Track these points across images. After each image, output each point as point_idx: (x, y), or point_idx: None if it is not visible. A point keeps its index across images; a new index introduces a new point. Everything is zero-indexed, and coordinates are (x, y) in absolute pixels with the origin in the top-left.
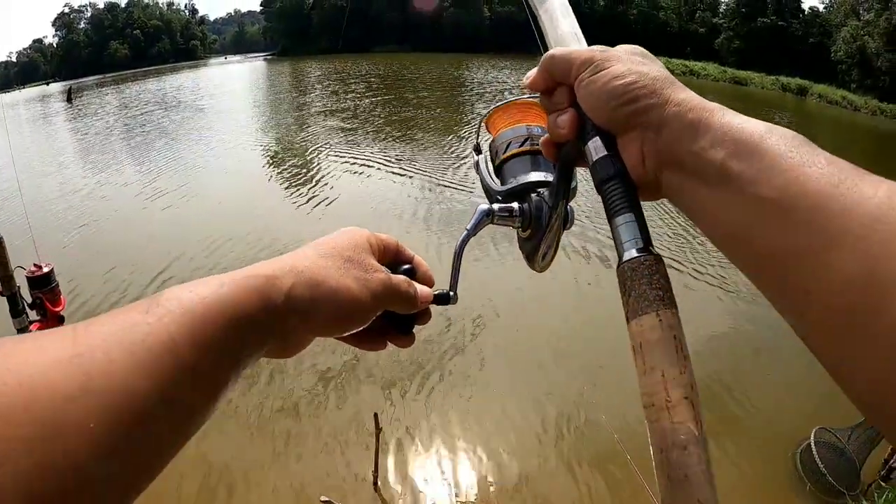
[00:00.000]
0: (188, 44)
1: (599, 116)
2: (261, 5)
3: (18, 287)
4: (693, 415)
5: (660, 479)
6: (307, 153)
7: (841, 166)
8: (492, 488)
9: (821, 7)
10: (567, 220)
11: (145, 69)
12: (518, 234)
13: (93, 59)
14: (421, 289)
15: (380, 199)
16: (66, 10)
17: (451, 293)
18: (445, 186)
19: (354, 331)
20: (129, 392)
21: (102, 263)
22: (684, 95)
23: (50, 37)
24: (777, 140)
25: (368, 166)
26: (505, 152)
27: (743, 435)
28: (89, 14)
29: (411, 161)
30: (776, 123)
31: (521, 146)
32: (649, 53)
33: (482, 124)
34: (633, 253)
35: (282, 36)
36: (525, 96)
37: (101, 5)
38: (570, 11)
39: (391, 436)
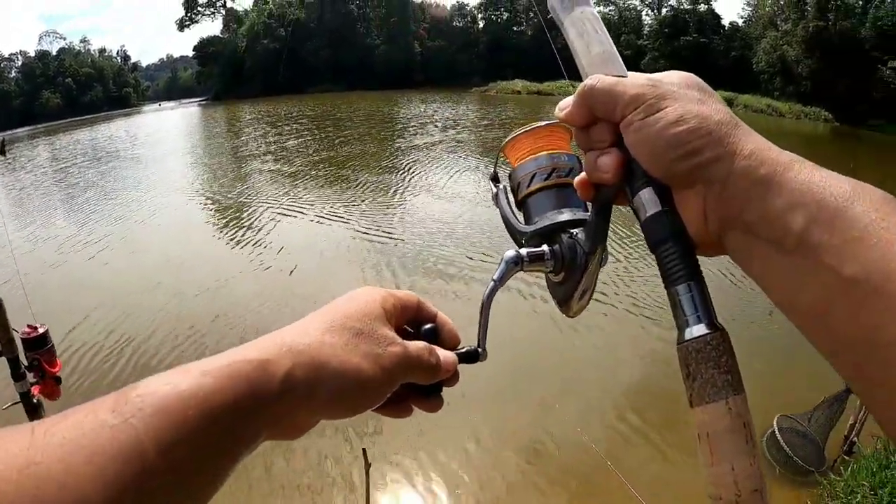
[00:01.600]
0: (121, 91)
1: (654, 167)
2: (193, 50)
3: (18, 350)
4: None
5: None
6: (247, 199)
7: None
8: None
9: (740, 21)
10: (603, 261)
11: (80, 118)
12: (548, 278)
13: (25, 109)
14: (444, 355)
15: (326, 242)
16: None
17: (480, 349)
18: (381, 233)
19: (369, 409)
20: None
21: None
22: (754, 144)
23: None
24: (866, 204)
25: (305, 212)
26: (529, 186)
27: None
28: (20, 63)
29: (349, 203)
30: None
31: (546, 179)
32: (706, 85)
33: (500, 153)
34: (698, 331)
35: (215, 80)
36: (544, 122)
37: (32, 53)
38: (603, 27)
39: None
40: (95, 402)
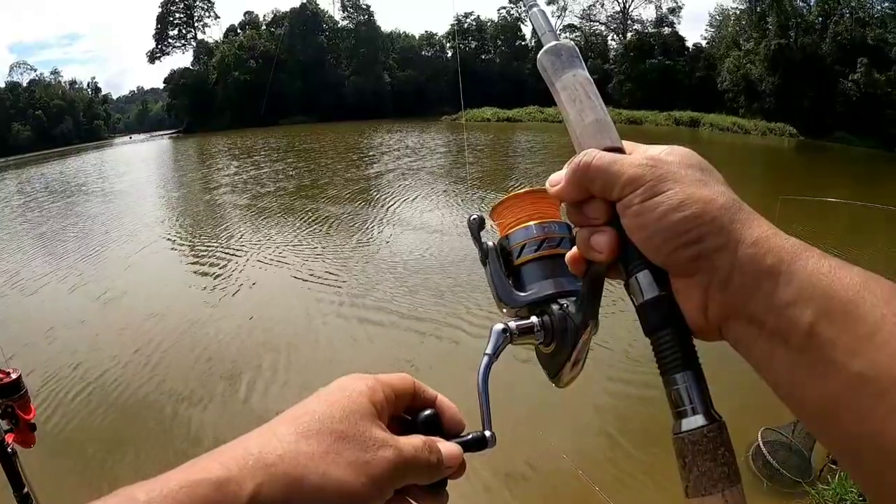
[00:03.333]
0: (92, 123)
1: (653, 253)
2: (164, 82)
3: None
4: None
5: None
6: (220, 243)
7: None
8: None
9: (704, 42)
10: (593, 329)
11: (50, 151)
12: (538, 349)
13: None
14: (446, 448)
15: (304, 295)
16: None
17: (487, 433)
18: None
19: None
20: None
21: None
22: (759, 232)
23: None
24: (876, 299)
25: (283, 260)
26: (519, 256)
27: None
28: None
29: (325, 241)
30: None
31: (536, 250)
32: (707, 163)
33: (489, 219)
34: (695, 423)
35: (186, 112)
36: (529, 189)
37: (2, 84)
38: (596, 92)
39: None
40: None
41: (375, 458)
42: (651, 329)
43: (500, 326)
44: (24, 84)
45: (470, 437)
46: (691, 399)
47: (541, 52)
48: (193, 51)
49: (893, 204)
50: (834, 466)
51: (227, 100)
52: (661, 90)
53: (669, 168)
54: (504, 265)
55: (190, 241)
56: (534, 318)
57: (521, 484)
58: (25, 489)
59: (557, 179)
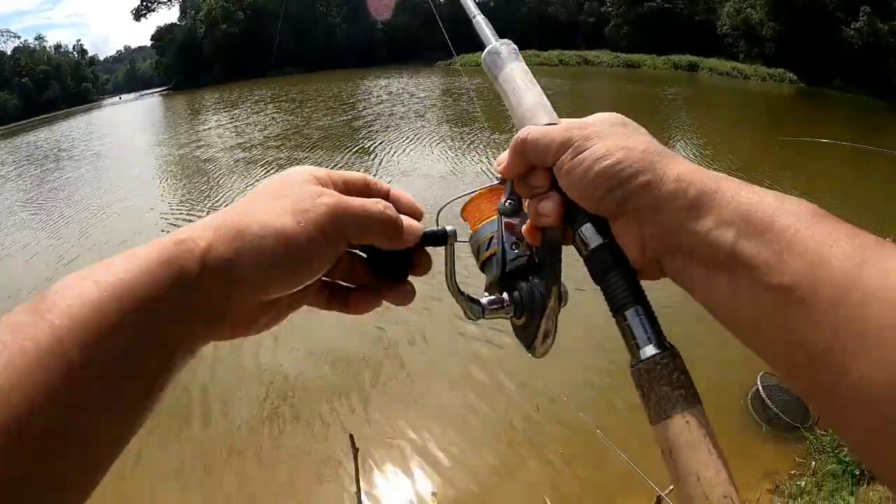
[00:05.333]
0: (80, 87)
1: (588, 202)
2: (151, 39)
3: None
4: None
5: None
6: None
7: (863, 241)
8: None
9: None
10: (562, 301)
11: (40, 118)
12: (513, 322)
13: None
14: (407, 219)
15: None
16: None
17: (448, 228)
18: None
19: (311, 280)
20: (7, 415)
21: None
22: (681, 167)
23: None
24: (792, 216)
25: None
26: (488, 248)
27: None
28: None
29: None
30: (672, 97)
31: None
32: (631, 121)
33: (461, 218)
34: (649, 352)
35: (175, 69)
36: (493, 184)
37: None
38: (532, 80)
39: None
40: (16, 308)
41: (315, 204)
42: (599, 274)
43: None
44: (9, 52)
45: (427, 230)
46: (644, 331)
47: (483, 54)
48: (180, 5)
49: (892, 149)
50: None
51: (215, 54)
52: (659, 34)
53: (594, 128)
54: (476, 257)
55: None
56: (504, 294)
57: (524, 427)
58: None
59: (502, 158)
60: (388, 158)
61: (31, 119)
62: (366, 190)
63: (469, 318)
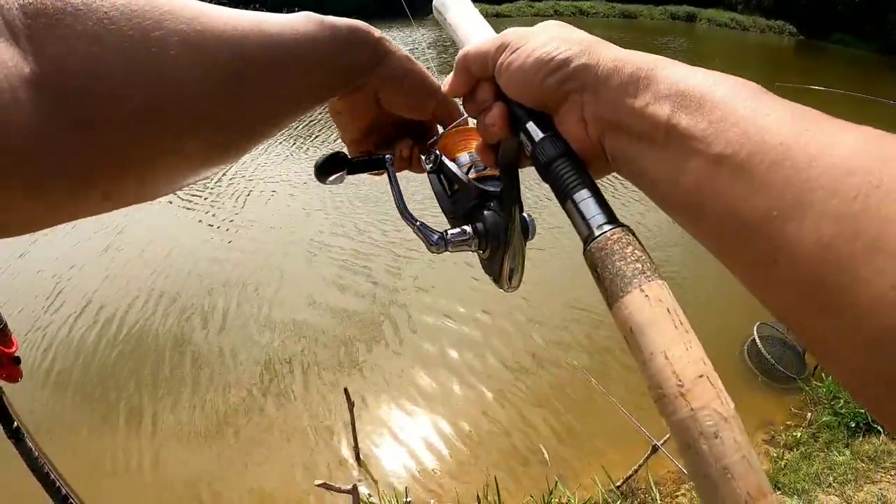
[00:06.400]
0: None
1: (528, 97)
2: None
3: None
4: (715, 393)
5: (696, 482)
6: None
7: (803, 112)
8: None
9: None
10: (528, 231)
11: None
12: (479, 256)
13: None
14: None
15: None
16: None
17: (387, 156)
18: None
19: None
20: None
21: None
22: (620, 52)
23: None
24: (728, 88)
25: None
26: (467, 174)
27: None
28: None
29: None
30: (669, 48)
31: (467, 175)
32: (568, 24)
33: (436, 146)
34: (598, 231)
35: None
36: (463, 127)
37: None
38: (479, 16)
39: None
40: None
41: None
42: (544, 168)
43: (434, 237)
44: None
45: None
46: (594, 212)
47: (434, 2)
48: None
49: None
50: None
51: None
52: None
53: (531, 30)
54: (449, 184)
55: None
56: (467, 227)
57: (520, 375)
58: (15, 423)
59: (448, 79)
60: None
61: None
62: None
63: (431, 251)
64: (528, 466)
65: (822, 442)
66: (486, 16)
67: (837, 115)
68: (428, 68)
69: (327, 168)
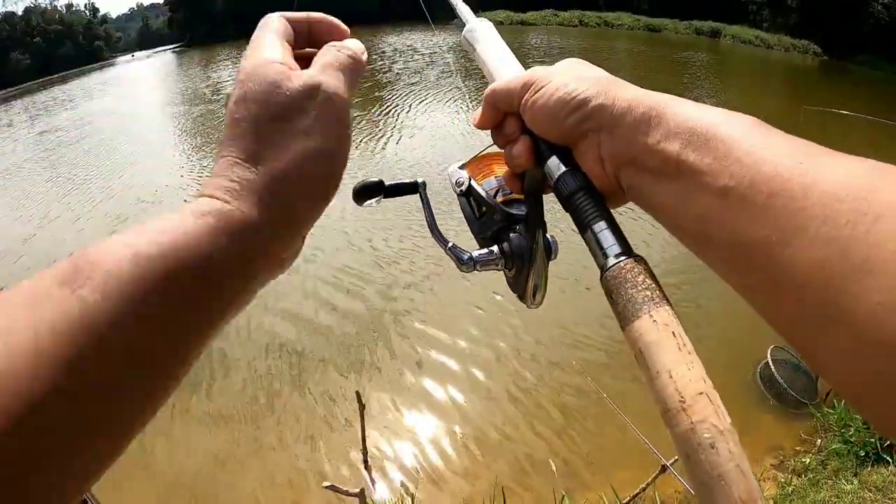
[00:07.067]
0: (92, 45)
1: (551, 133)
2: None
3: None
4: (713, 409)
5: (695, 488)
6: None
7: (799, 146)
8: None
9: None
10: (551, 252)
11: (52, 77)
12: (505, 275)
13: None
14: (349, 42)
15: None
16: None
17: (419, 180)
18: None
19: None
20: (26, 400)
21: None
22: (633, 91)
23: None
24: (733, 125)
25: None
26: (494, 198)
27: (702, 359)
28: None
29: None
30: (692, 62)
31: (508, 194)
32: (587, 62)
33: (467, 168)
34: (613, 260)
35: (188, 26)
36: (493, 151)
37: None
38: (497, 37)
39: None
40: (42, 274)
41: (322, 104)
42: (566, 199)
43: (464, 257)
44: (20, 13)
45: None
46: (610, 242)
47: (463, 32)
48: None
49: None
50: None
51: (229, 10)
52: None
53: (554, 68)
54: (479, 207)
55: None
56: (494, 247)
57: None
58: None
59: (477, 114)
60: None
61: (46, 78)
62: (330, 31)
63: (461, 271)
64: (535, 478)
65: (830, 469)
66: (512, 24)
67: (862, 138)
68: (448, 73)
69: (365, 194)
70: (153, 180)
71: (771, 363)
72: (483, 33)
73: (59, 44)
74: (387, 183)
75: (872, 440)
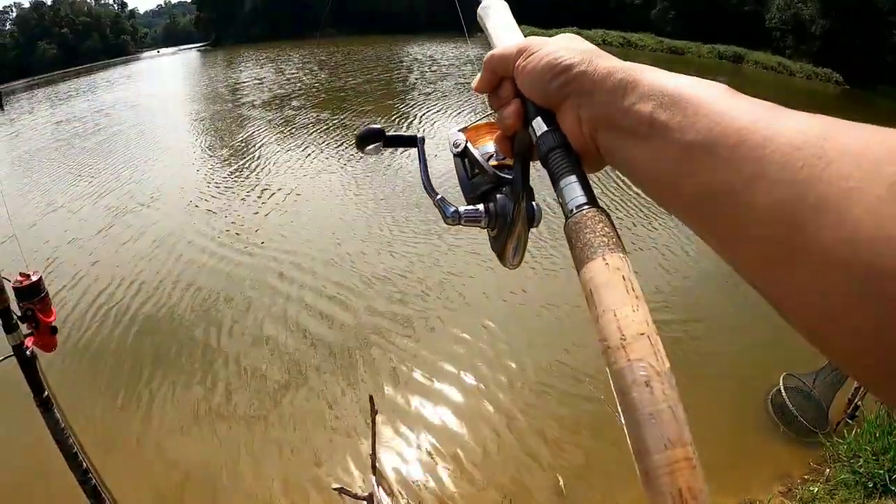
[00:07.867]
0: (118, 38)
1: (537, 95)
2: None
3: (9, 300)
4: (652, 350)
5: (626, 425)
6: (258, 164)
7: (763, 105)
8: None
9: None
10: (534, 218)
11: (77, 68)
12: (488, 234)
13: (20, 62)
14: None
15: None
16: None
17: (418, 135)
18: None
19: None
20: None
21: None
22: (614, 62)
23: None
24: (702, 89)
25: (324, 170)
26: (488, 162)
27: (714, 386)
28: (14, 15)
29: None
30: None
31: (502, 159)
32: (581, 37)
33: (465, 133)
34: (576, 210)
35: (214, 25)
36: (490, 121)
37: (27, 4)
38: (507, 13)
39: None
40: None
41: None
42: (544, 154)
43: (451, 210)
44: (49, 3)
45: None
46: (576, 193)
47: (478, 9)
48: None
49: None
50: (851, 421)
51: (255, 12)
52: (705, 21)
53: (547, 39)
54: (471, 168)
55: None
56: (479, 206)
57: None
58: (46, 393)
59: (476, 79)
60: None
61: (71, 68)
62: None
63: (446, 223)
64: (542, 494)
65: (838, 499)
66: None
67: None
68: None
69: (366, 139)
70: (160, 176)
71: (783, 390)
72: (495, 9)
73: (86, 36)
74: (388, 133)
75: (881, 472)
